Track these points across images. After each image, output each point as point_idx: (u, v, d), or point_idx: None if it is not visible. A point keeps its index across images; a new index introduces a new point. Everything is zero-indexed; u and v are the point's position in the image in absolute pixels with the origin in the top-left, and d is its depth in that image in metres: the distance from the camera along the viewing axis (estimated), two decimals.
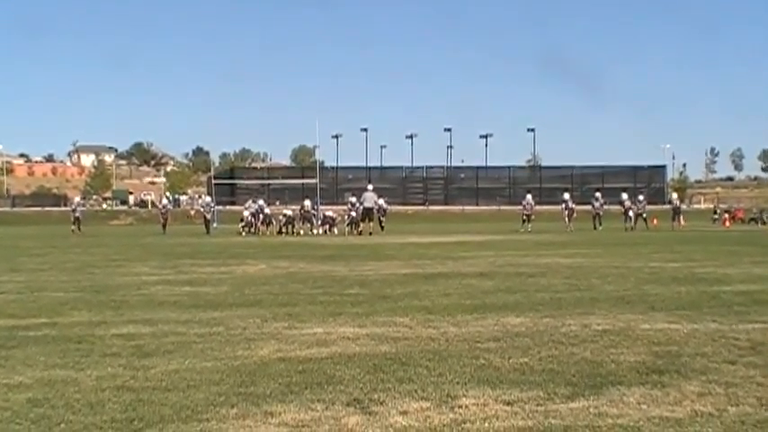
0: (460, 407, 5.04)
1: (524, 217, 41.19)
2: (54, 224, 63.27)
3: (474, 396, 5.28)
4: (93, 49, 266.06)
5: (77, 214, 43.30)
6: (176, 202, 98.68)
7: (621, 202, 42.82)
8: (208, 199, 47.06)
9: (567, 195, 43.87)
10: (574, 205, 42.38)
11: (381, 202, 38.51)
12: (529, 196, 43.10)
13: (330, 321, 8.60)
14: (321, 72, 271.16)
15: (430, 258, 18.78)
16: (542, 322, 8.38)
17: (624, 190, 45.52)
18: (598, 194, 43.40)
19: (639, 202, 42.62)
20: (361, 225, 36.55)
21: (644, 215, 41.90)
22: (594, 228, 40.17)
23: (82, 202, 42.00)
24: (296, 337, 7.56)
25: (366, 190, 37.89)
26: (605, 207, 42.68)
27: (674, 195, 43.07)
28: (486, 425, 4.69)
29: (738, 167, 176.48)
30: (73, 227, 42.18)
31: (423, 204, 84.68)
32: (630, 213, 41.14)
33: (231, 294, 11.38)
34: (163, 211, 46.39)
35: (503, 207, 74.57)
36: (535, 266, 15.96)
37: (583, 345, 7.06)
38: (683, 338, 7.36)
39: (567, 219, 41.38)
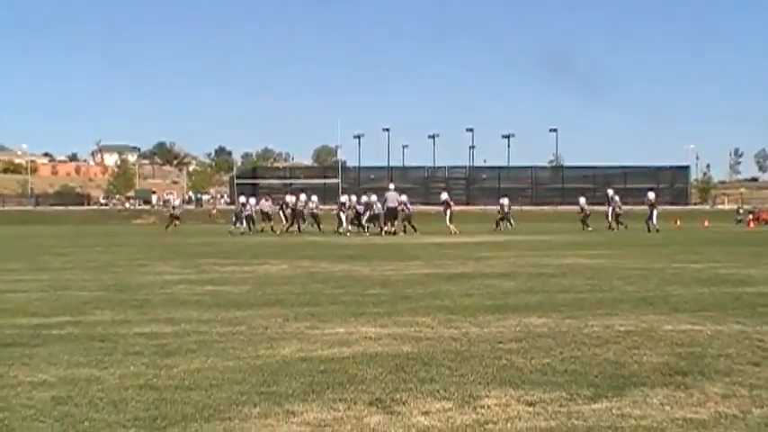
0: (483, 407, 5.03)
1: (500, 217, 42.46)
2: (77, 223, 63.70)
3: (496, 396, 5.27)
4: (118, 49, 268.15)
5: (177, 212, 42.96)
6: (198, 202, 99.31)
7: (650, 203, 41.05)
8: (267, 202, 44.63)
9: (582, 199, 43.19)
10: (587, 208, 42.09)
11: (404, 198, 38.40)
12: (505, 199, 43.94)
13: (352, 321, 8.61)
14: (343, 72, 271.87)
15: (451, 258, 18.76)
16: (564, 323, 8.35)
17: (651, 189, 44.09)
18: (610, 192, 42.02)
19: (615, 200, 41.58)
20: (387, 225, 36.23)
21: (619, 213, 41.05)
22: (610, 227, 39.26)
23: (178, 202, 42.32)
24: (318, 337, 7.57)
25: (388, 189, 37.77)
26: (624, 207, 42.07)
27: (651, 195, 40.85)
28: (509, 425, 4.68)
29: (763, 168, 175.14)
30: (170, 225, 41.99)
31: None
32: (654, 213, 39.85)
33: (253, 294, 11.41)
34: (174, 211, 46.38)
35: (525, 207, 74.34)
36: (557, 267, 15.91)
37: (605, 346, 7.03)
38: (706, 340, 7.32)
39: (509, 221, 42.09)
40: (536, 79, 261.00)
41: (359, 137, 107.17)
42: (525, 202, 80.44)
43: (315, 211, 40.96)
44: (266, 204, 42.91)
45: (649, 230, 36.91)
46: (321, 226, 39.85)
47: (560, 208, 76.43)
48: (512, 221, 42.71)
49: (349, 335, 7.70)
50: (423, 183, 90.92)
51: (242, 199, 41.77)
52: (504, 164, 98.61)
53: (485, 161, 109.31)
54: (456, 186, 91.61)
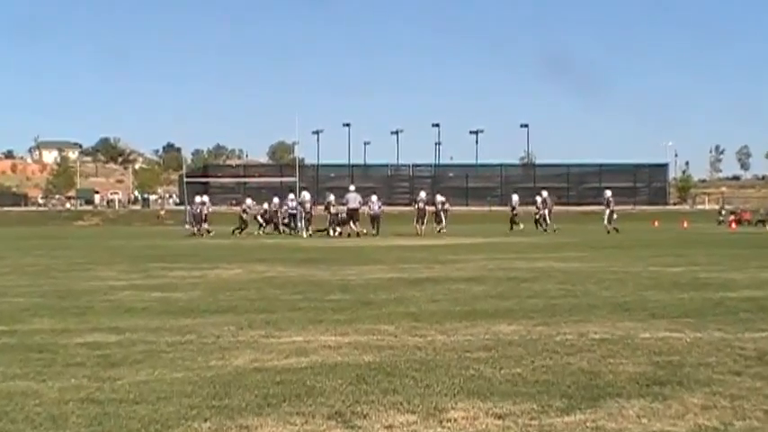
0: (449, 420, 5.04)
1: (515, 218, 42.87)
2: (13, 225, 62.97)
3: (463, 409, 5.28)
4: (56, 39, 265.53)
5: (206, 211, 42.38)
6: (145, 202, 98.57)
7: (605, 202, 40.68)
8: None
9: (545, 193, 43.60)
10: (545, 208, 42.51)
11: (423, 195, 41.05)
12: (515, 196, 44.94)
13: (310, 329, 8.60)
14: (301, 64, 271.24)
15: (417, 262, 18.79)
16: (536, 330, 8.39)
17: (608, 188, 44.16)
18: (608, 192, 40.75)
19: (543, 201, 41.80)
20: (348, 228, 36.60)
21: (547, 215, 41.79)
22: (608, 232, 37.83)
23: (204, 200, 42.00)
24: (274, 346, 7.55)
25: (348, 191, 37.93)
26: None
27: (608, 193, 40.72)
28: None
29: (745, 166, 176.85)
30: (196, 227, 40.86)
31: (409, 204, 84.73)
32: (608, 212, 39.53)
33: (204, 300, 11.36)
34: (160, 211, 45.59)
35: (494, 208, 74.52)
36: (528, 271, 15.99)
37: (579, 354, 7.07)
38: (685, 348, 7.38)
39: (545, 220, 41.90)
40: (507, 72, 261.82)
41: (318, 133, 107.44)
42: (494, 203, 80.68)
43: (293, 212, 41.20)
44: (248, 205, 43.18)
45: (608, 232, 36.87)
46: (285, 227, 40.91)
47: (532, 208, 76.93)
48: (518, 222, 42.92)
49: (307, 344, 7.68)
50: (386, 182, 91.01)
51: (198, 199, 41.86)
52: (472, 161, 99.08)
53: (451, 158, 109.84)
54: (421, 185, 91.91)
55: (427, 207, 40.46)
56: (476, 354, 7.13)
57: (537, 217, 42.73)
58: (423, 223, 39.04)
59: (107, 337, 8.13)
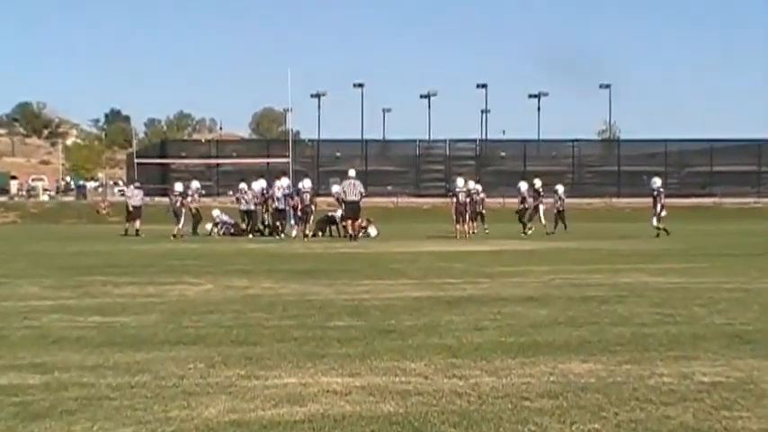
0: None
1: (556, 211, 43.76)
2: None
3: None
4: None
5: (194, 204, 42.59)
6: (80, 191, 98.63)
7: (654, 193, 41.01)
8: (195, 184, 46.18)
9: (538, 182, 44.83)
10: (538, 200, 43.61)
11: (460, 182, 41.12)
12: (560, 187, 45.27)
13: (308, 367, 8.60)
14: (296, 5, 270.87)
15: (455, 275, 18.77)
16: (621, 370, 8.37)
17: (657, 174, 44.43)
18: (657, 180, 41.23)
19: (662, 194, 41.53)
20: (347, 226, 36.87)
21: (542, 214, 43.33)
22: (657, 233, 38.10)
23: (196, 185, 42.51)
24: (257, 391, 7.56)
25: (347, 177, 37.83)
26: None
27: (657, 181, 40.81)
28: None
29: None
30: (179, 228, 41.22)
31: (444, 195, 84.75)
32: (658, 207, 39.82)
33: (162, 327, 11.37)
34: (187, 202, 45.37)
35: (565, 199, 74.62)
36: (610, 288, 15.95)
37: (681, 404, 7.05)
38: None
39: (541, 218, 43.31)
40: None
41: (319, 96, 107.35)
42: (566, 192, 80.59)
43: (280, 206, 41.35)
44: (252, 193, 43.05)
45: (657, 235, 37.06)
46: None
47: (615, 200, 76.86)
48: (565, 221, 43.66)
49: (303, 387, 7.68)
50: (413, 164, 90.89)
51: (179, 187, 42.06)
52: (532, 136, 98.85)
53: (503, 132, 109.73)
54: (461, 169, 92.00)
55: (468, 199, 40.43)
56: (537, 402, 7.12)
57: (555, 213, 44.05)
58: (464, 222, 39.03)
59: (27, 378, 8.14)
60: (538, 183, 44.89)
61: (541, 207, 43.90)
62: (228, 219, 42.79)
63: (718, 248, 29.12)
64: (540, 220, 43.27)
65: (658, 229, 37.89)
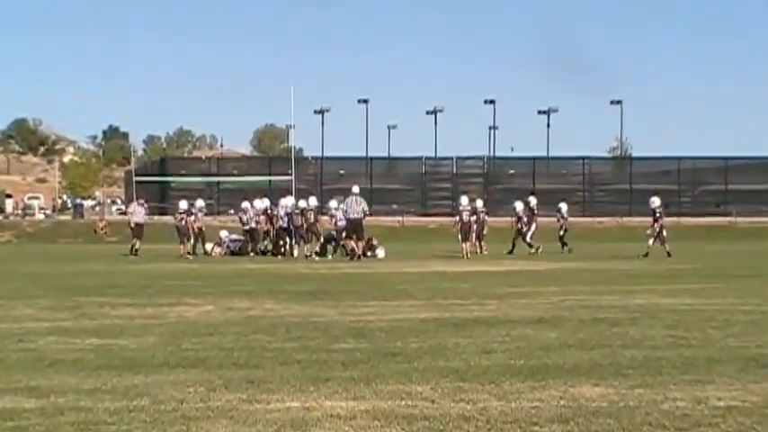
0: None
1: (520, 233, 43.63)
2: None
3: None
4: None
5: (197, 224, 42.65)
6: (77, 210, 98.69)
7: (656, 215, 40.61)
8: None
9: (533, 200, 45.31)
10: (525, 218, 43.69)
11: (465, 201, 41.37)
12: (564, 205, 45.70)
13: (311, 391, 8.60)
14: (298, 17, 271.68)
15: (462, 296, 18.76)
16: (633, 395, 8.37)
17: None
18: (656, 200, 40.95)
19: (662, 215, 41.29)
20: (350, 245, 36.90)
21: (565, 230, 43.63)
22: (648, 250, 38.13)
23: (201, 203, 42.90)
24: (259, 416, 7.55)
25: (351, 193, 37.91)
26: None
27: (656, 201, 40.43)
28: None
29: None
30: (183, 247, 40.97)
31: (451, 214, 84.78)
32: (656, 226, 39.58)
33: (162, 350, 11.38)
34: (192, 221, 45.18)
35: (573, 218, 74.54)
36: (622, 309, 15.95)
37: (696, 430, 7.05)
38: None
39: (526, 237, 43.16)
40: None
41: (322, 113, 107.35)
42: (575, 211, 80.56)
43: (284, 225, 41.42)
44: (254, 211, 43.01)
45: (646, 255, 37.03)
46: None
47: (627, 220, 76.79)
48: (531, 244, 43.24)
49: (307, 412, 7.68)
50: (418, 182, 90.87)
51: (183, 205, 42.18)
52: (541, 153, 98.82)
53: (512, 149, 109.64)
54: (468, 187, 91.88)
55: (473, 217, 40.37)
56: (547, 427, 7.12)
57: (561, 233, 43.86)
58: (468, 241, 39.01)
59: (22, 403, 8.14)
60: (533, 200, 45.09)
61: (533, 226, 43.76)
62: (238, 236, 42.91)
63: (732, 269, 29.11)
64: (524, 239, 43.05)
65: (664, 249, 37.61)
